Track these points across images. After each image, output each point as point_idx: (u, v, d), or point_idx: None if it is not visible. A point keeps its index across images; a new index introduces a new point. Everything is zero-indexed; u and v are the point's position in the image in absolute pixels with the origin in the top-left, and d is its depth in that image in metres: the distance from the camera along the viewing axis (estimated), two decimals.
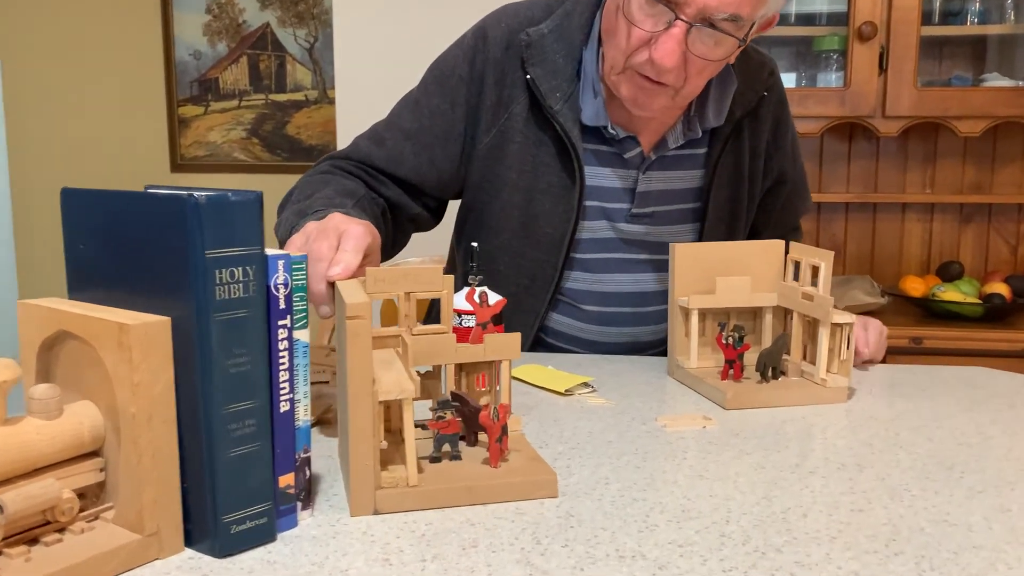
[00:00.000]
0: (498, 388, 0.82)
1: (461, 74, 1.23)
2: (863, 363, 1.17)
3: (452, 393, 0.80)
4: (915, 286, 2.30)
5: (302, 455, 0.68)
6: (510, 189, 1.24)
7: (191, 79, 3.81)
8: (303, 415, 0.68)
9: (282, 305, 0.65)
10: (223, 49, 3.79)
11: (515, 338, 0.80)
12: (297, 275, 0.66)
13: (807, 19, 2.38)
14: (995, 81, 2.29)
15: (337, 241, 0.87)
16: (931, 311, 2.27)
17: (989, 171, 2.53)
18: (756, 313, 1.13)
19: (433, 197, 1.29)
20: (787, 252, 1.11)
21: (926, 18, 2.26)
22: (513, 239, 1.26)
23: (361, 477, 0.69)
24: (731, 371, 1.04)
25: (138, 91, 3.73)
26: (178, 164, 3.82)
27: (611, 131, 1.21)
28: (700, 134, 1.25)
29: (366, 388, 0.67)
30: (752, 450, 0.85)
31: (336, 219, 0.92)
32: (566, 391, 1.04)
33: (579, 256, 1.27)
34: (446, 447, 0.77)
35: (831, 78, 2.34)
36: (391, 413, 0.79)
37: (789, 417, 0.96)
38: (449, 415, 0.75)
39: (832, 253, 1.03)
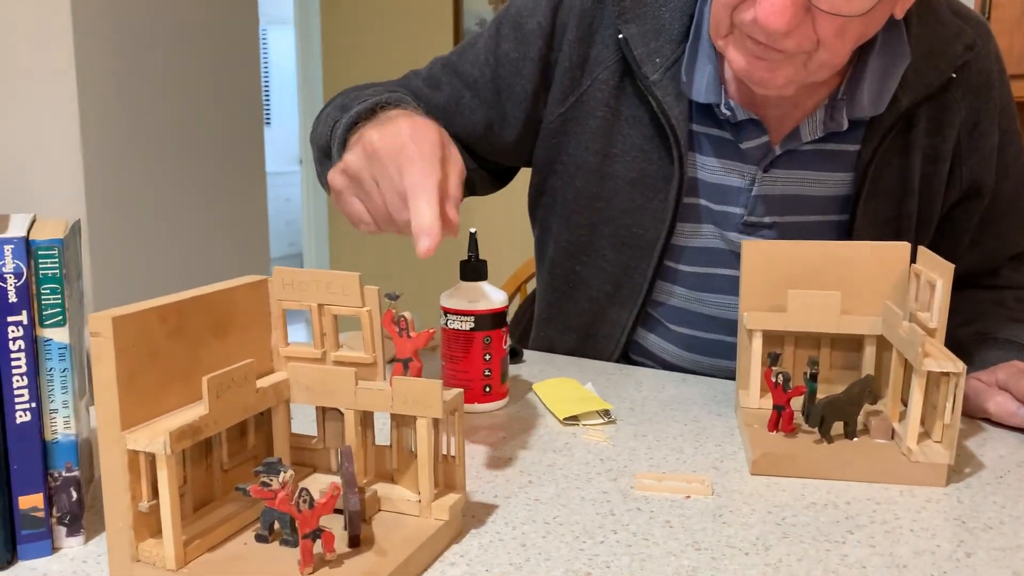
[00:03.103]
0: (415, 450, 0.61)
1: (540, 20, 1.00)
2: None
3: (343, 449, 0.59)
4: None
5: (64, 474, 0.58)
6: (587, 175, 1.00)
7: None
8: (63, 428, 0.57)
9: (12, 298, 0.54)
10: None
11: (434, 387, 0.59)
12: (46, 263, 0.55)
13: None
14: None
15: (396, 172, 0.66)
16: None
17: None
18: (860, 343, 0.82)
19: (488, 160, 1.09)
20: (913, 260, 0.79)
21: None
22: (592, 236, 1.03)
23: (116, 544, 0.55)
24: (780, 420, 0.76)
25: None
26: None
27: (724, 111, 0.93)
28: (845, 125, 0.92)
29: (113, 433, 0.53)
30: (696, 552, 0.59)
31: (401, 125, 0.68)
32: (565, 420, 0.83)
33: (676, 266, 1.01)
34: (277, 525, 0.58)
35: None
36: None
37: (831, 500, 0.67)
38: (276, 483, 0.54)
39: (952, 267, 0.70)
